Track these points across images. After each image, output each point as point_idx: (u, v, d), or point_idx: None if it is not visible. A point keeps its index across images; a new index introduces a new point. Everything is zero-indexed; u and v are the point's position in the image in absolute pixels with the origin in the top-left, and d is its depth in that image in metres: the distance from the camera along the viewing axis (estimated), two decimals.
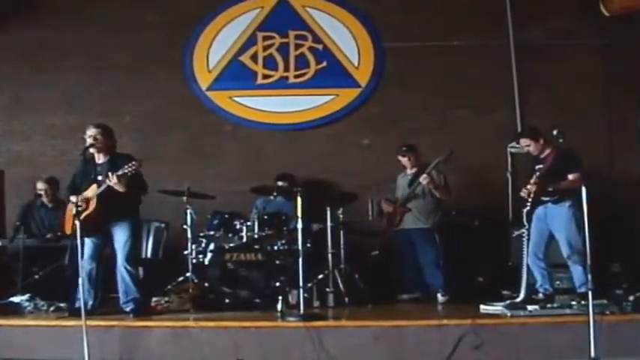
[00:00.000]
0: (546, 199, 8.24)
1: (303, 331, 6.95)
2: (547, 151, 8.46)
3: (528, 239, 8.20)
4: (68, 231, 8.14)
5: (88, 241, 7.82)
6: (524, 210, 8.25)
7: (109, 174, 7.71)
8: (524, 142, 8.66)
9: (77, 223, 7.01)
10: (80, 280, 7.32)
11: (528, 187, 8.17)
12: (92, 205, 7.84)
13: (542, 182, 8.12)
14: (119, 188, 7.73)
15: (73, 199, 7.80)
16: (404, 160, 9.81)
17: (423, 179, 9.35)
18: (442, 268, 9.36)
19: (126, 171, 7.66)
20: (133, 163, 7.69)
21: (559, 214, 8.16)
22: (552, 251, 8.41)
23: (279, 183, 10.22)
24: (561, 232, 8.15)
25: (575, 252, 7.97)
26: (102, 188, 7.80)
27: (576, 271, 8.02)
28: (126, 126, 10.77)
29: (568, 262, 8.11)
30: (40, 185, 9.91)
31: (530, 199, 8.19)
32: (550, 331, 6.93)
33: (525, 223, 8.24)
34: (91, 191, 7.93)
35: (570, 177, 8.10)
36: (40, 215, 9.88)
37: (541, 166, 8.36)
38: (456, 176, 9.94)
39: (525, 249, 8.15)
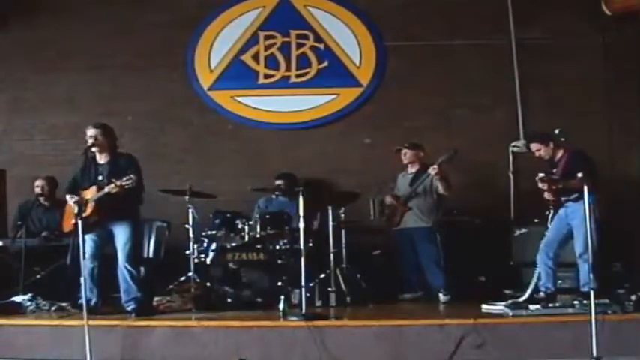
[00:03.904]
0: (565, 198, 8.27)
1: (305, 330, 6.96)
2: (559, 154, 8.48)
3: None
4: (66, 229, 8.25)
5: (88, 240, 7.83)
6: (549, 213, 8.34)
7: (113, 181, 7.76)
8: (534, 147, 8.66)
9: (79, 222, 7.03)
10: (82, 279, 7.36)
11: (539, 186, 8.25)
12: (90, 208, 7.89)
13: (550, 182, 8.16)
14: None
15: (68, 197, 7.98)
16: (402, 155, 9.80)
17: (433, 170, 9.29)
18: (443, 267, 9.35)
19: (124, 184, 7.69)
20: (131, 177, 7.70)
21: (578, 211, 8.14)
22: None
23: (278, 182, 10.29)
24: (580, 229, 8.08)
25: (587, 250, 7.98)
26: (101, 194, 7.86)
27: (583, 270, 8.01)
28: (127, 125, 10.78)
29: (578, 260, 8.09)
30: (38, 182, 9.92)
31: (552, 202, 8.28)
32: (552, 331, 6.95)
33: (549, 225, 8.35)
34: (90, 193, 7.98)
35: (579, 176, 8.12)
36: (37, 215, 9.88)
37: (556, 169, 8.39)
38: (458, 175, 9.93)
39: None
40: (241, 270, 8.87)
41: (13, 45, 11.52)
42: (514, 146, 10.30)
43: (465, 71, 11.27)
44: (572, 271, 8.42)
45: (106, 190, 7.78)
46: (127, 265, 8.00)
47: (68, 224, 8.16)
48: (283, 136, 11.40)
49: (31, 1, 11.55)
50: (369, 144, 11.24)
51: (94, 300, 7.93)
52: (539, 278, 8.34)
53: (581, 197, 8.07)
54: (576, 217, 8.18)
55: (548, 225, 8.43)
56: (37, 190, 9.89)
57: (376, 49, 11.39)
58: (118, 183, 7.68)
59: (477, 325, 6.90)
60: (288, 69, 11.42)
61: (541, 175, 8.21)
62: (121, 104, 11.30)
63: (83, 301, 6.84)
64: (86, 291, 7.10)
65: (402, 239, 9.70)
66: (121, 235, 8.05)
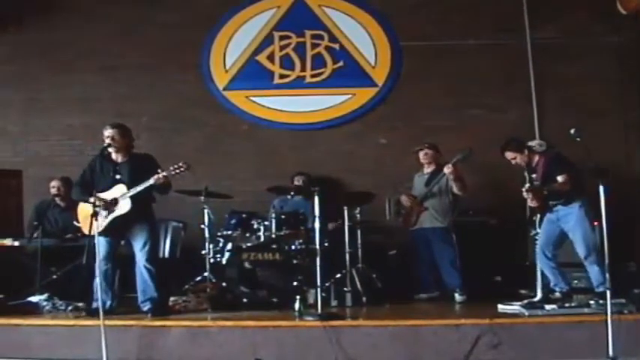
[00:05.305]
0: (554, 203, 8.24)
1: (321, 330, 6.97)
2: (536, 159, 8.47)
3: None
4: (88, 231, 8.09)
5: (102, 241, 7.79)
6: (535, 218, 8.35)
7: (158, 171, 7.78)
8: (509, 155, 8.61)
9: (95, 222, 7.04)
10: (97, 280, 7.38)
11: (524, 195, 8.25)
12: (125, 205, 7.89)
13: (535, 189, 8.16)
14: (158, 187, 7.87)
15: (92, 199, 7.74)
16: (422, 154, 9.79)
17: (447, 169, 9.26)
18: (459, 267, 9.34)
19: (173, 172, 7.74)
20: (181, 165, 7.77)
21: (570, 215, 8.14)
22: (569, 251, 8.38)
23: (297, 179, 10.39)
24: (576, 233, 8.11)
25: (591, 251, 7.94)
26: (141, 187, 7.82)
27: (593, 271, 8.00)
28: (143, 126, 10.81)
29: (585, 263, 8.08)
30: (54, 182, 9.93)
31: (537, 208, 8.29)
32: (568, 331, 6.93)
33: (538, 229, 8.34)
34: (119, 191, 7.95)
35: (559, 179, 8.10)
36: (54, 215, 9.89)
37: (535, 174, 8.38)
38: (473, 175, 9.92)
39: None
40: (257, 270, 8.85)
41: (27, 45, 11.58)
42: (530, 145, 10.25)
43: (478, 71, 11.25)
44: (587, 271, 8.38)
45: (152, 181, 7.77)
46: (146, 264, 8.01)
47: (89, 225, 8.02)
48: (298, 137, 11.41)
49: (46, 2, 11.62)
50: (385, 144, 11.24)
51: (108, 302, 7.89)
52: (546, 279, 8.36)
53: (570, 201, 8.11)
54: (569, 221, 8.18)
55: (538, 229, 8.45)
56: (53, 191, 9.91)
57: (391, 49, 11.40)
58: (166, 172, 7.75)
59: (493, 325, 6.90)
60: (303, 69, 11.44)
61: (527, 185, 8.21)
62: (136, 105, 11.33)
63: (99, 303, 6.87)
64: (101, 293, 7.10)
65: (418, 239, 9.69)
66: (140, 235, 8.05)
